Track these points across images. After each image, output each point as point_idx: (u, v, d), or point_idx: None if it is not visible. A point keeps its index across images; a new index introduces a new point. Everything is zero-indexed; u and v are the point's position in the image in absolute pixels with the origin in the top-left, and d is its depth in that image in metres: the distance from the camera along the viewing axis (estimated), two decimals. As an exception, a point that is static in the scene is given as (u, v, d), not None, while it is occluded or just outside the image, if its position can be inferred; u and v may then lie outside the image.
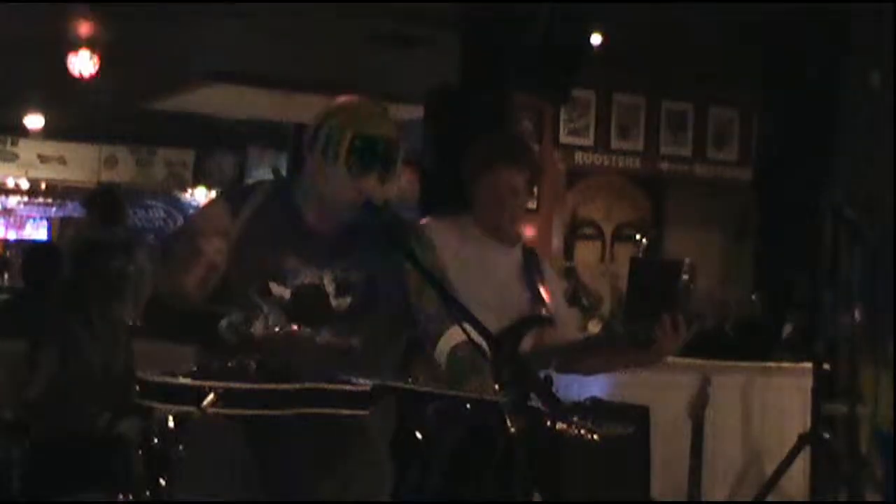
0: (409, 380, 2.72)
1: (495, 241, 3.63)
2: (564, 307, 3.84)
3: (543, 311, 3.60)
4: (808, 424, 5.02)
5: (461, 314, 2.44)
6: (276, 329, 2.51)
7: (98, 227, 7.24)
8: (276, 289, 2.59)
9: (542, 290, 3.65)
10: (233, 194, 2.80)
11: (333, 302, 2.63)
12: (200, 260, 2.43)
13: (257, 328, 2.51)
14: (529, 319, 3.57)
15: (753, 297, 3.75)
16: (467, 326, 2.48)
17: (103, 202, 7.47)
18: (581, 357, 3.60)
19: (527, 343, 3.56)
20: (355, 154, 2.59)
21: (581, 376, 4.16)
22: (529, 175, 3.62)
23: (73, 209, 13.17)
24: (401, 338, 2.77)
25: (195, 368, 2.38)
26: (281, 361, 2.43)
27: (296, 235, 2.65)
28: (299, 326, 2.52)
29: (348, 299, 2.64)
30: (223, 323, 2.44)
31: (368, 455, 2.71)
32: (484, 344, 2.44)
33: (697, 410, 4.80)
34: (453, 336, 2.61)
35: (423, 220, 3.71)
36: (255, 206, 2.68)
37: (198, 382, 2.27)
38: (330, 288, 2.63)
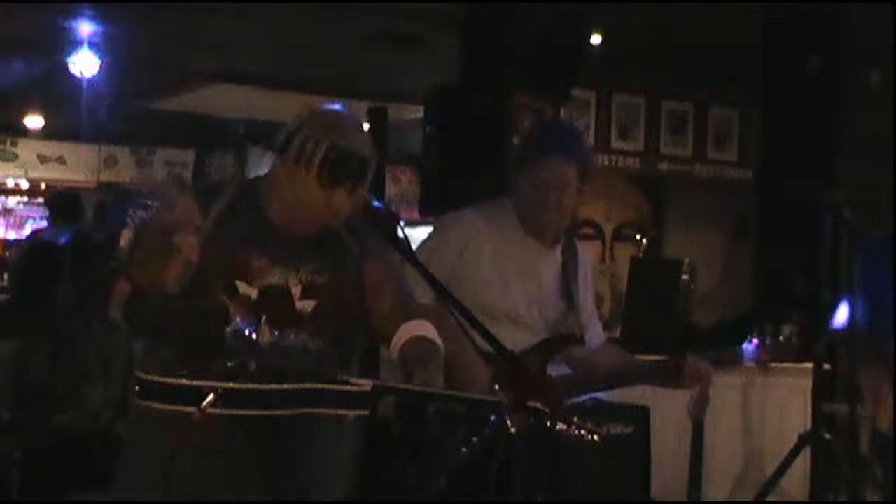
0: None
1: (537, 243, 3.42)
2: (592, 309, 3.66)
3: (573, 322, 3.47)
4: (808, 424, 5.02)
5: (462, 314, 2.44)
6: (274, 335, 2.53)
7: (60, 227, 7.29)
8: (242, 288, 2.58)
9: (577, 295, 3.49)
10: (202, 190, 2.77)
11: (298, 304, 2.63)
12: (177, 256, 2.41)
13: (264, 335, 2.52)
14: (559, 339, 3.47)
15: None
16: (423, 325, 2.50)
17: (62, 203, 7.52)
18: (604, 385, 3.56)
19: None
20: (328, 166, 2.57)
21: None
22: (580, 168, 3.34)
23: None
24: (363, 341, 2.77)
25: (194, 369, 2.38)
26: (280, 361, 2.43)
27: (263, 236, 2.64)
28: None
29: (313, 302, 2.64)
30: (228, 330, 2.44)
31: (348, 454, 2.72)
32: (477, 337, 2.44)
33: (697, 410, 4.79)
34: (403, 334, 2.62)
35: (462, 211, 3.49)
36: (223, 203, 2.66)
37: (197, 382, 2.26)
38: (295, 290, 2.63)
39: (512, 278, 3.36)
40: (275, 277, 2.62)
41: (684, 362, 3.37)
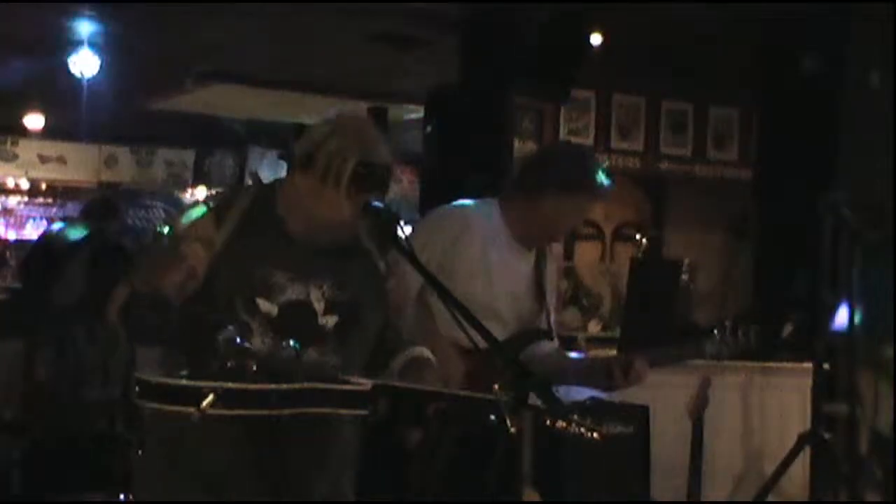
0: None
1: (520, 246, 3.55)
2: (552, 305, 3.83)
3: (543, 321, 3.61)
4: (808, 424, 5.02)
5: (462, 314, 2.43)
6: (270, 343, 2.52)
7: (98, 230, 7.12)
8: (262, 305, 2.56)
9: (547, 295, 3.64)
10: (217, 202, 2.73)
11: (321, 320, 2.62)
12: (180, 264, 2.39)
13: (255, 344, 2.50)
14: (530, 332, 3.58)
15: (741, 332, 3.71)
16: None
17: (99, 209, 7.38)
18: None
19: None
20: (357, 180, 2.55)
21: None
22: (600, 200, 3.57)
23: (73, 209, 13.17)
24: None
25: (194, 369, 2.38)
26: (280, 361, 2.43)
27: (282, 250, 2.62)
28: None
29: (336, 318, 2.63)
30: (220, 337, 2.42)
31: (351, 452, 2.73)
32: (476, 336, 2.45)
33: (697, 410, 4.80)
34: (400, 359, 2.69)
35: (456, 204, 3.57)
36: (238, 215, 2.62)
37: (197, 383, 2.26)
38: (318, 305, 2.61)
39: (495, 273, 3.46)
40: (295, 293, 2.60)
41: (632, 363, 3.46)
